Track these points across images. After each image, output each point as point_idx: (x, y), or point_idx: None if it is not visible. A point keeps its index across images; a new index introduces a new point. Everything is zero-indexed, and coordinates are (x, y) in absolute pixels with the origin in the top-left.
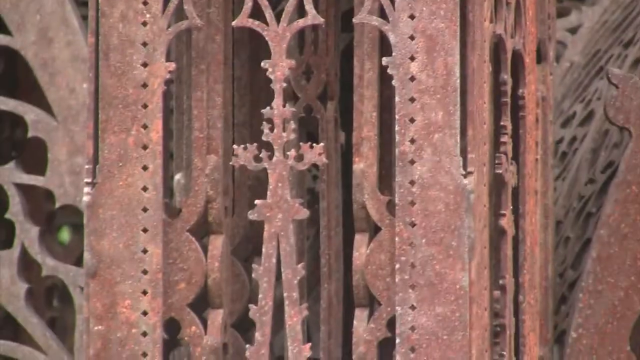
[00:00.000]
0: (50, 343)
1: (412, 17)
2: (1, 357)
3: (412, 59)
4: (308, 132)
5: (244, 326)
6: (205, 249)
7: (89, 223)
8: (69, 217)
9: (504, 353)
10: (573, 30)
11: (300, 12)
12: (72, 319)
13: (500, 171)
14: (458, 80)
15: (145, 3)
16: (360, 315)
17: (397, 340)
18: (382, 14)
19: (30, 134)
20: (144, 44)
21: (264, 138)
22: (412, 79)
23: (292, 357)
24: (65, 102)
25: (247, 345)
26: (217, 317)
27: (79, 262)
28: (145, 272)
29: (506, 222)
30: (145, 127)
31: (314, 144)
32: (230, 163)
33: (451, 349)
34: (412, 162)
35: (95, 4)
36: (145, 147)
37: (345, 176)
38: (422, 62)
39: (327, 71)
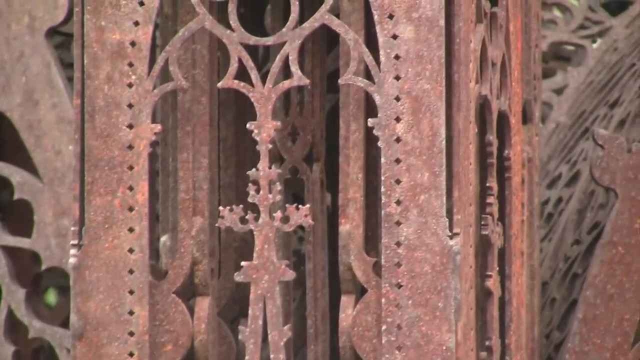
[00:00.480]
0: None
1: (397, 78)
2: None
3: (398, 120)
4: (294, 193)
5: None
6: (191, 311)
7: (76, 285)
8: (56, 279)
9: None
10: (559, 91)
11: (286, 73)
12: None
13: (487, 232)
14: (444, 142)
15: (130, 65)
16: None
17: None
18: (368, 75)
19: (16, 196)
20: (130, 106)
21: (249, 200)
22: (398, 140)
23: None
24: (51, 163)
25: None
26: None
27: (65, 324)
28: (131, 334)
29: (492, 283)
30: (131, 188)
31: (300, 206)
32: (216, 225)
33: None
34: (398, 223)
35: (80, 66)
36: (131, 209)
37: (331, 237)
38: (407, 123)
39: (313, 132)
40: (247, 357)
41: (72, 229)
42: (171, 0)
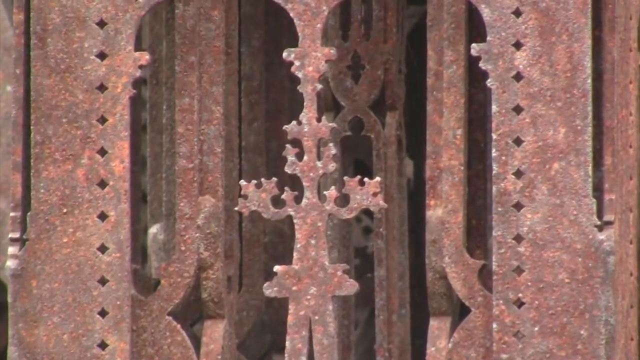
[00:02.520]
0: None
1: None
2: None
3: (518, 46)
4: (356, 160)
5: None
6: (197, 342)
7: (16, 302)
8: None
9: None
10: None
11: None
12: None
13: None
14: (589, 80)
15: None
16: None
17: None
18: None
19: None
20: (102, 23)
21: (287, 170)
22: (518, 76)
23: None
24: None
25: None
26: None
27: (2, 357)
28: None
29: None
30: (103, 152)
31: (366, 179)
32: (236, 209)
33: None
34: (519, 206)
35: None
36: (103, 184)
37: (414, 228)
38: (533, 51)
39: (386, 65)
40: None
41: (12, 215)
42: None
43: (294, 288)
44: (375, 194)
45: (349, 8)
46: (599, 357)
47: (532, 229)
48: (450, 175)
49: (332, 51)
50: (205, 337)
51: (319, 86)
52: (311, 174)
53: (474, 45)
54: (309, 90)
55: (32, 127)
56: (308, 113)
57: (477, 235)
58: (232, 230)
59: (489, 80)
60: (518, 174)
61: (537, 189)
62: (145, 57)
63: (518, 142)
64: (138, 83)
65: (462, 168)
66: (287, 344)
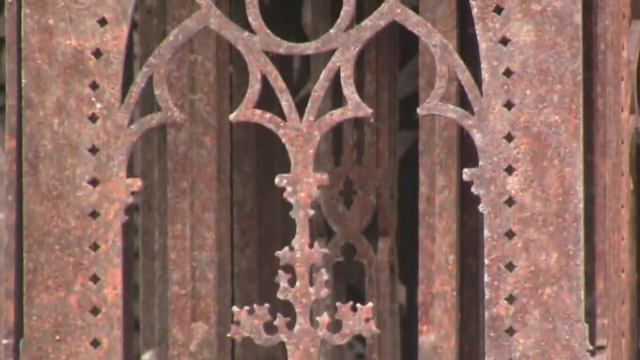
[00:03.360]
0: None
1: (509, 105)
2: None
3: (510, 170)
4: (349, 285)
5: None
6: None
7: None
8: None
9: None
10: None
11: (336, 98)
12: None
13: None
14: (581, 204)
15: (94, 86)
16: None
17: None
18: (463, 101)
19: None
20: (93, 150)
21: (279, 296)
22: (510, 201)
23: None
24: None
25: None
26: None
27: None
28: None
29: None
30: (95, 279)
31: (359, 305)
32: (228, 335)
33: None
34: (511, 331)
35: (16, 88)
36: (96, 311)
37: (406, 354)
38: (525, 176)
39: (378, 191)
40: None
41: (4, 342)
42: None
43: None
44: (367, 320)
45: (341, 133)
46: None
47: (524, 354)
48: (442, 301)
49: (324, 177)
50: None
51: (311, 212)
52: (303, 300)
53: (465, 170)
54: (301, 216)
55: (24, 254)
56: (300, 239)
57: None
58: (225, 357)
59: (481, 205)
60: (510, 299)
61: (529, 314)
62: (137, 184)
63: (510, 267)
64: (130, 209)
65: (455, 293)
66: None
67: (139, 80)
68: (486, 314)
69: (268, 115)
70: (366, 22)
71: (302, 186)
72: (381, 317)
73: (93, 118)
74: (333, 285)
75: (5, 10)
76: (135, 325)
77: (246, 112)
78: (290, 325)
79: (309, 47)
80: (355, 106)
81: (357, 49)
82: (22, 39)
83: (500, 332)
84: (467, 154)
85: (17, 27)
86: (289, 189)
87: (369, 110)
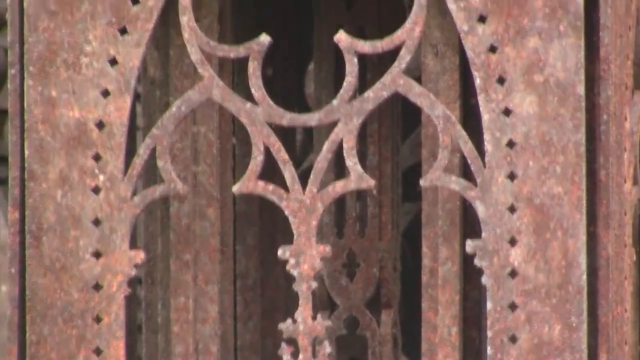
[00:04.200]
0: None
1: (512, 176)
2: None
3: (513, 242)
4: (352, 358)
5: None
6: None
7: None
8: None
9: None
10: None
11: (339, 169)
12: None
13: None
14: (584, 277)
15: (97, 157)
16: None
17: None
18: (466, 173)
19: None
20: (97, 222)
21: None
22: (513, 274)
23: None
24: None
25: None
26: None
27: None
28: None
29: None
30: (98, 352)
31: None
32: None
33: None
34: None
35: (19, 160)
36: None
37: None
38: (528, 248)
39: (381, 263)
40: None
41: None
42: (160, 57)
43: None
44: None
45: (343, 205)
46: None
47: None
48: None
49: (327, 249)
50: None
51: (314, 284)
52: None
53: (468, 241)
54: (304, 289)
55: (27, 327)
56: (303, 311)
57: None
58: None
59: (483, 277)
60: None
61: None
62: (140, 256)
63: (513, 339)
64: (133, 282)
65: None
66: None
67: (142, 152)
68: None
69: (271, 187)
70: (369, 93)
71: (305, 258)
72: None
73: (96, 190)
74: (336, 358)
75: (7, 80)
76: None
77: (249, 183)
78: None
79: (312, 119)
80: (358, 178)
81: (359, 121)
82: (25, 110)
83: None
84: (469, 225)
85: (20, 98)
86: (291, 261)
87: (372, 182)
